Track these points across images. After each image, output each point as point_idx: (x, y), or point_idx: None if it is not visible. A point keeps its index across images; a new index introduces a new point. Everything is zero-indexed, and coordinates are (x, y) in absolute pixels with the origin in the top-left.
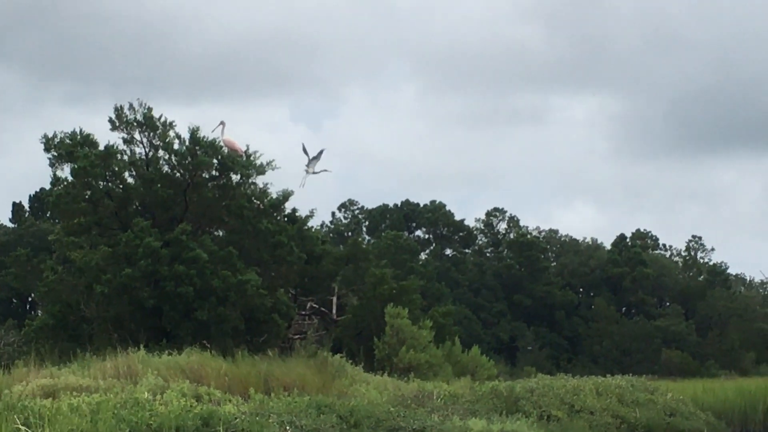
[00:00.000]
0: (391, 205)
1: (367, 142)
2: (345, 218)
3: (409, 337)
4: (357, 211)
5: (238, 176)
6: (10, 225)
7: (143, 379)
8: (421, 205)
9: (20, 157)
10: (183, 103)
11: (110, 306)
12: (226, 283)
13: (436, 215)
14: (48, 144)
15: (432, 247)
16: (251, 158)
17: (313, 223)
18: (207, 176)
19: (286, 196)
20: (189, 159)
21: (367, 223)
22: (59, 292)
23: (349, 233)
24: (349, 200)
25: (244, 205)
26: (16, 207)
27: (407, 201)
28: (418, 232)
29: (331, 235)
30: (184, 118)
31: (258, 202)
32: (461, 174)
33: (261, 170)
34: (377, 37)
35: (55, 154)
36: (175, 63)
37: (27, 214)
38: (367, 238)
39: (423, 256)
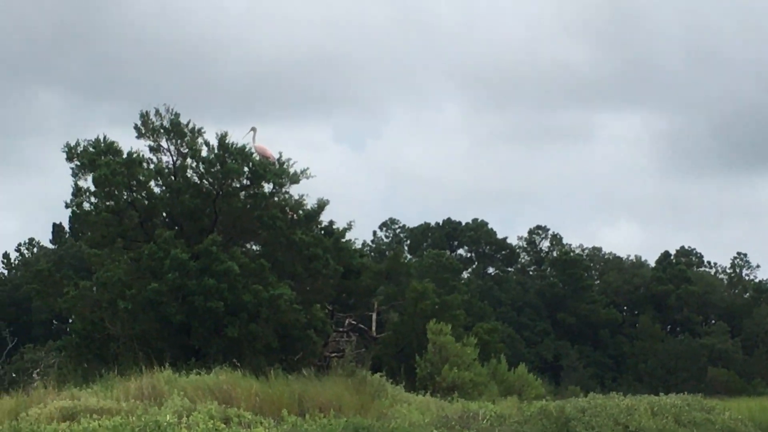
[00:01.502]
0: (432, 223)
1: (410, 161)
2: (386, 237)
3: (453, 354)
4: (398, 230)
5: (271, 185)
6: (50, 246)
7: (168, 400)
8: (463, 224)
9: (62, 178)
10: (226, 124)
11: (135, 323)
12: (258, 298)
13: (478, 233)
14: (70, 153)
15: (474, 266)
16: (284, 166)
17: (355, 241)
18: (237, 185)
19: (321, 206)
20: (218, 167)
21: (408, 241)
22: (81, 308)
23: (391, 252)
24: (391, 219)
25: (276, 216)
26: (56, 228)
27: (449, 219)
28: (461, 251)
29: (372, 254)
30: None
31: (292, 213)
32: (504, 192)
33: (295, 179)
34: (420, 56)
35: (78, 163)
36: (218, 84)
37: (67, 234)
38: (409, 256)
39: (465, 274)
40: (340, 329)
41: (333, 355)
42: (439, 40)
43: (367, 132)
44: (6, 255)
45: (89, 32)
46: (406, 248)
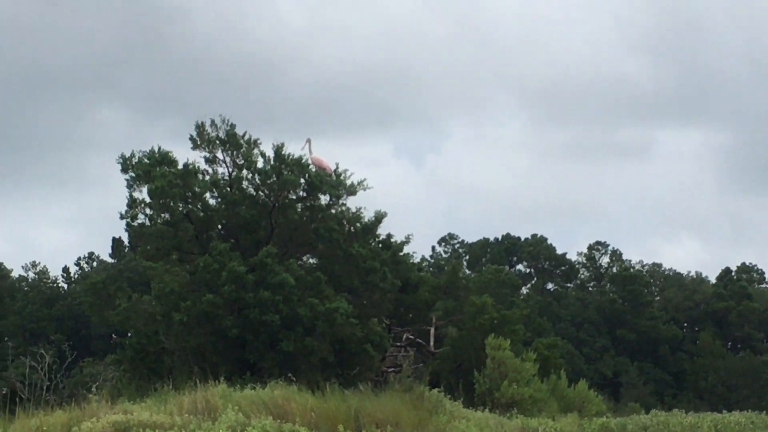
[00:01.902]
0: (491, 239)
1: (470, 177)
2: (445, 252)
3: (512, 370)
4: (457, 245)
5: (327, 197)
6: (110, 260)
7: (222, 415)
8: (522, 239)
9: (122, 193)
10: (287, 139)
11: (190, 336)
12: (314, 312)
13: (537, 249)
14: (125, 164)
15: (533, 282)
16: (341, 177)
17: (414, 255)
18: (294, 197)
19: (379, 218)
20: (274, 178)
21: (467, 257)
22: (134, 321)
23: (449, 266)
24: (450, 234)
25: (333, 228)
26: (115, 242)
27: (508, 235)
28: (520, 266)
29: (431, 269)
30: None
31: (349, 225)
32: (564, 208)
33: (352, 191)
34: (481, 71)
35: (133, 174)
36: (279, 99)
37: (126, 249)
38: (468, 272)
39: (524, 290)
40: (398, 344)
41: (390, 370)
42: (500, 55)
43: (428, 147)
44: (66, 269)
45: (151, 49)
46: (464, 264)
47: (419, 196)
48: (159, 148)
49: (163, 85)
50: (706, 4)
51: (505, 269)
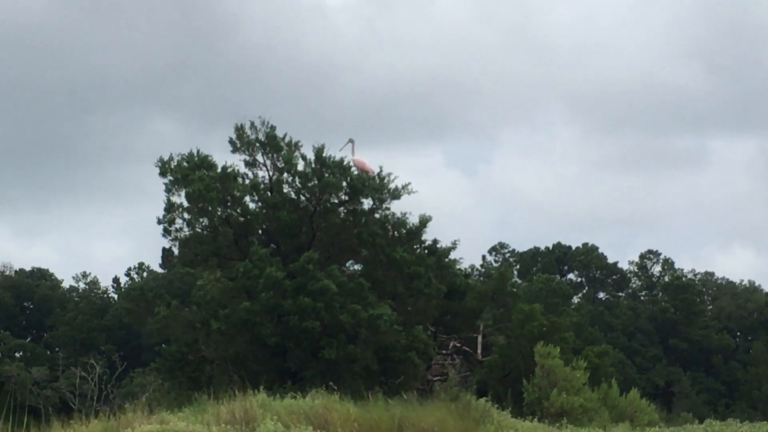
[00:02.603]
0: (542, 248)
1: (521, 186)
2: (496, 261)
3: (562, 378)
4: (508, 254)
5: (370, 201)
6: (160, 270)
7: (261, 425)
8: (573, 248)
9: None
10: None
11: (229, 344)
12: (356, 319)
13: (588, 258)
14: (164, 168)
15: (585, 291)
16: (384, 181)
17: (461, 261)
18: (336, 201)
19: (423, 222)
20: (315, 182)
21: (518, 266)
22: (173, 329)
23: (519, 288)
24: (500, 243)
25: (377, 233)
26: (166, 252)
27: (559, 244)
28: (571, 276)
29: (481, 278)
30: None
31: (393, 230)
32: (616, 217)
33: (396, 194)
34: (533, 80)
35: (171, 178)
36: (333, 109)
37: (176, 259)
38: (519, 281)
39: (575, 299)
40: (444, 352)
41: (436, 378)
42: (552, 64)
43: (479, 157)
44: (116, 279)
45: (205, 60)
46: (515, 273)
47: (470, 205)
48: (198, 151)
49: (218, 96)
50: (760, 10)
51: (556, 278)
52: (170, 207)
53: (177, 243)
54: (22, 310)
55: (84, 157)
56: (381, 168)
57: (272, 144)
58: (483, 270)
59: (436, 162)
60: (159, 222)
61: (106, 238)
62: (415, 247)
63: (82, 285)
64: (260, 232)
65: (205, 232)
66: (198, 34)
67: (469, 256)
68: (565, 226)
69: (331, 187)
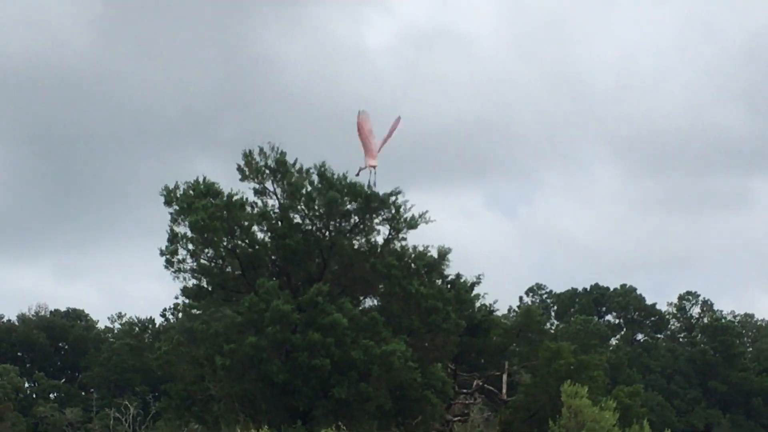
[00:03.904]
0: (580, 289)
1: (562, 227)
2: (533, 302)
3: (590, 419)
4: (545, 295)
5: (386, 230)
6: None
7: None
8: (611, 289)
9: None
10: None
11: (235, 381)
12: (369, 355)
13: (626, 299)
14: (169, 196)
15: (623, 332)
16: (401, 209)
17: (485, 296)
18: (347, 226)
19: (442, 254)
20: (320, 200)
21: (555, 307)
22: (175, 365)
23: (545, 323)
24: (537, 284)
25: (392, 264)
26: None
27: (597, 285)
28: (609, 317)
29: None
30: None
31: (410, 262)
32: (656, 258)
33: (412, 224)
34: (574, 121)
35: (177, 207)
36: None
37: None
38: (556, 322)
39: (613, 341)
40: (465, 391)
41: (456, 419)
42: (594, 105)
43: (520, 198)
44: (151, 320)
45: (244, 100)
46: (552, 314)
47: (510, 246)
48: (204, 179)
49: (258, 135)
50: None
51: (593, 320)
52: (173, 237)
53: (180, 275)
54: (57, 351)
55: (124, 197)
56: (397, 196)
57: (282, 170)
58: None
59: (477, 203)
60: (161, 253)
61: (145, 278)
62: (436, 280)
63: (117, 325)
64: (269, 263)
65: (210, 264)
66: (239, 75)
67: (508, 297)
68: (604, 267)
69: (336, 204)
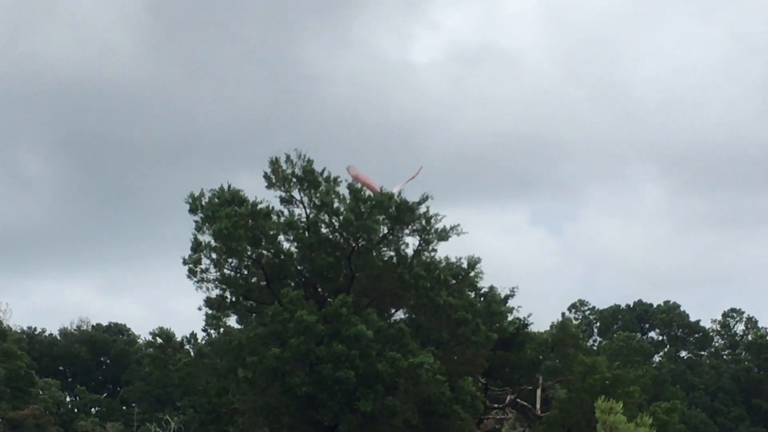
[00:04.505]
0: (623, 305)
1: (607, 245)
2: (576, 319)
3: None
4: (588, 312)
5: (416, 242)
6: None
7: None
8: (655, 306)
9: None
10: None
11: (259, 395)
12: (395, 368)
13: (670, 316)
14: (194, 204)
15: (666, 349)
16: (431, 221)
17: (518, 309)
18: (375, 236)
19: (472, 264)
20: (351, 218)
21: (598, 323)
22: (196, 377)
23: (580, 334)
24: (580, 300)
25: (420, 275)
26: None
27: (640, 301)
28: (652, 334)
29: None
30: None
31: (440, 273)
32: (701, 275)
33: (443, 236)
34: (621, 137)
35: (202, 215)
36: (419, 165)
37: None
38: (599, 339)
39: (657, 358)
40: (496, 406)
41: None
42: (640, 122)
43: (565, 215)
44: (193, 335)
45: (291, 116)
46: (595, 330)
47: (555, 263)
48: (229, 186)
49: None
50: None
51: (636, 336)
52: (197, 246)
53: (203, 285)
54: (99, 365)
55: (170, 212)
56: (428, 208)
57: (309, 179)
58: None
59: (522, 220)
60: (184, 262)
61: (190, 292)
62: (467, 293)
63: (159, 340)
64: (295, 274)
65: (233, 274)
66: (286, 90)
67: (552, 313)
68: (649, 284)
69: (368, 229)
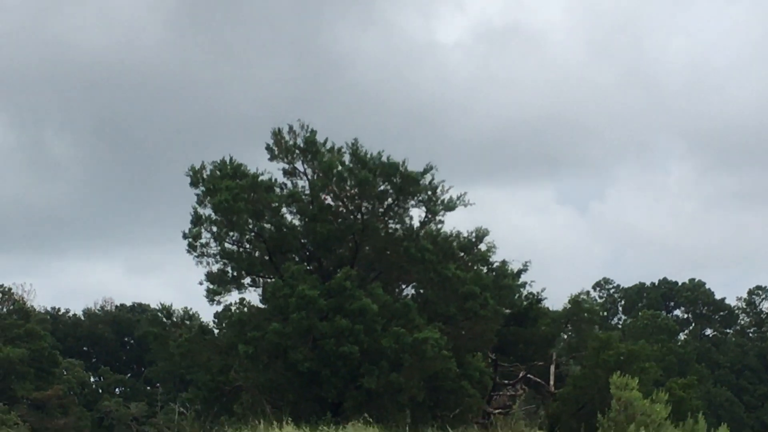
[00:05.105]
0: (648, 283)
1: (634, 223)
2: (600, 297)
3: (640, 412)
4: (612, 290)
5: (422, 213)
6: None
7: None
8: (680, 284)
9: None
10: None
11: (260, 371)
12: (400, 343)
13: (695, 294)
14: (195, 177)
15: (691, 327)
16: (437, 191)
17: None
18: (379, 207)
19: (480, 236)
20: (352, 181)
21: (623, 302)
22: (196, 353)
23: (605, 313)
24: (605, 279)
25: (426, 248)
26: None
27: (665, 279)
28: (677, 312)
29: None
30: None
31: (446, 245)
32: (728, 254)
33: (450, 206)
34: (648, 117)
35: (203, 189)
36: (446, 146)
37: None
38: (624, 317)
39: (682, 336)
40: (506, 382)
41: (497, 411)
42: (668, 100)
43: (591, 194)
44: (217, 315)
45: (317, 99)
46: (620, 309)
47: (581, 242)
48: (231, 159)
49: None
50: None
51: (661, 314)
52: (197, 220)
53: (204, 260)
54: (122, 346)
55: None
56: (433, 176)
57: (312, 150)
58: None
59: (548, 199)
60: (184, 237)
61: None
62: (480, 267)
63: (209, 323)
64: (299, 247)
65: (235, 248)
66: (312, 73)
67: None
68: (675, 262)
69: (368, 184)
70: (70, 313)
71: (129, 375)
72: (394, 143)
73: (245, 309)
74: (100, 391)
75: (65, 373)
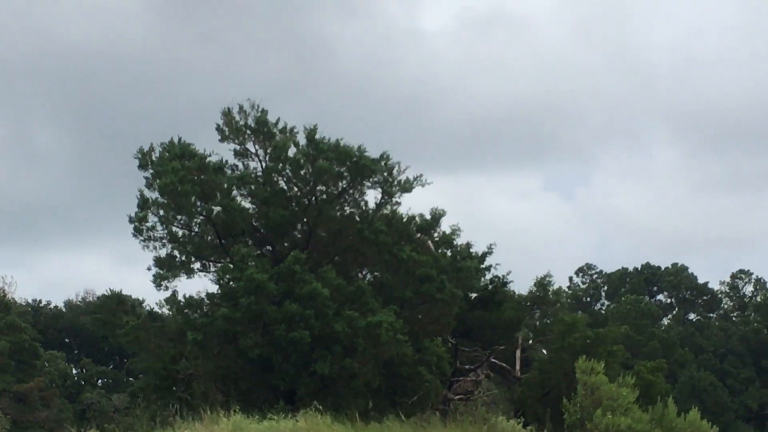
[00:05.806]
0: (630, 268)
1: (619, 208)
2: (583, 283)
3: (606, 397)
4: (595, 276)
5: (378, 195)
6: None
7: None
8: (663, 269)
9: None
10: (440, 173)
11: (210, 358)
12: (353, 327)
13: (678, 278)
14: (143, 159)
15: (674, 312)
16: (393, 172)
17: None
18: (334, 190)
19: (436, 217)
20: (308, 168)
21: (605, 287)
22: (144, 340)
23: (587, 298)
24: (587, 264)
25: (380, 230)
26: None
27: (648, 264)
28: (660, 297)
29: (569, 300)
30: (439, 187)
31: (401, 227)
32: (712, 238)
33: (407, 187)
34: (634, 101)
35: (152, 171)
36: (431, 132)
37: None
38: (606, 302)
39: (665, 321)
40: (468, 367)
41: (458, 397)
42: (653, 85)
43: (577, 180)
44: (168, 300)
45: (301, 86)
46: (603, 294)
47: (567, 228)
48: (180, 140)
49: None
50: None
51: (644, 299)
52: (143, 203)
53: (150, 244)
54: (104, 337)
55: None
56: (388, 157)
57: (263, 130)
58: (571, 292)
59: (534, 185)
60: (130, 221)
61: None
62: (443, 251)
63: (165, 311)
64: (251, 231)
65: (183, 231)
66: (295, 59)
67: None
68: (660, 247)
69: (326, 173)
70: (52, 305)
71: (111, 366)
72: (379, 131)
73: (194, 295)
74: (82, 383)
75: (47, 365)
